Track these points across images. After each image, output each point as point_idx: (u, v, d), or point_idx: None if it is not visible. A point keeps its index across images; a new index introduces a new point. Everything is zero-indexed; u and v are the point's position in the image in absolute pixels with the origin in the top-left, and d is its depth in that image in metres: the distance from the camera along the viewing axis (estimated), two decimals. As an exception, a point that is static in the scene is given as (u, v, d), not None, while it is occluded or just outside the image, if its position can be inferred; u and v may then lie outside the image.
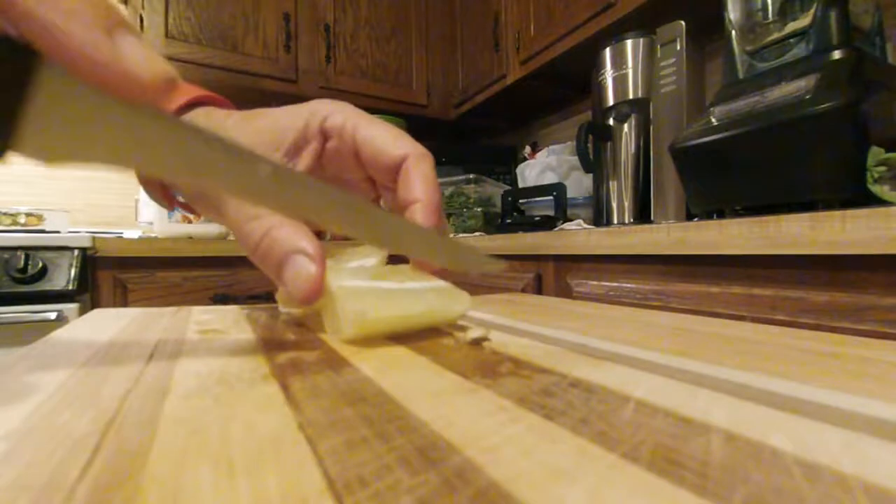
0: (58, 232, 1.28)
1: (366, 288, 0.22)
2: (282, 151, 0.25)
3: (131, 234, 1.42)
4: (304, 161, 0.26)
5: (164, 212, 1.39)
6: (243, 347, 0.21)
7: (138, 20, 1.50)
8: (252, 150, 0.17)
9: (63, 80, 0.13)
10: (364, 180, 0.28)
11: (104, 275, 1.24)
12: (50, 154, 0.13)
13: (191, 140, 0.16)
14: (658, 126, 1.04)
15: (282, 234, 0.21)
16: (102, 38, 0.14)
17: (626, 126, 1.15)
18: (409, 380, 0.15)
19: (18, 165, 1.41)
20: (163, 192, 0.28)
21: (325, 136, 0.26)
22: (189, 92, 0.27)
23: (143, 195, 1.61)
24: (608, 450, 0.10)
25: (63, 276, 1.15)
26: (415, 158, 0.25)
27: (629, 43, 1.15)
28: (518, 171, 1.64)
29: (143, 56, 0.15)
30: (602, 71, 1.20)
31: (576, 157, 1.23)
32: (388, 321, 0.22)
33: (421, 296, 0.23)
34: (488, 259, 0.24)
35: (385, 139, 0.26)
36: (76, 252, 1.17)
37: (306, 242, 0.21)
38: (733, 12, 0.84)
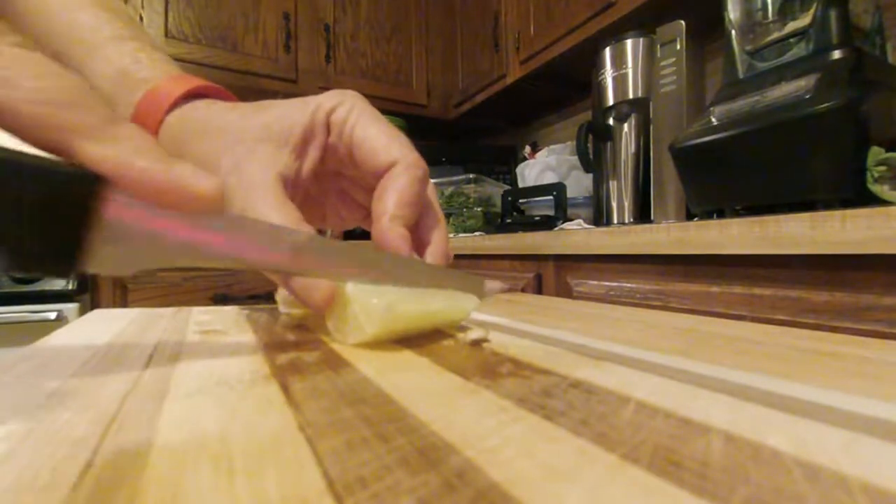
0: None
1: (381, 288, 0.21)
2: (290, 146, 0.25)
3: (131, 234, 1.42)
4: (310, 156, 0.26)
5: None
6: (243, 348, 0.21)
7: (138, 19, 1.50)
8: (280, 226, 0.18)
9: (127, 202, 0.15)
10: (365, 185, 0.27)
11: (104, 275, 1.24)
12: (118, 268, 0.15)
13: (235, 231, 0.17)
14: (658, 126, 1.04)
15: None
16: (161, 165, 0.15)
17: (626, 126, 1.15)
18: (409, 380, 0.15)
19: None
20: None
21: (329, 129, 0.26)
22: (189, 82, 0.26)
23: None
24: (608, 450, 0.10)
25: (63, 276, 1.15)
26: (403, 167, 0.24)
27: (629, 43, 1.15)
28: (518, 170, 1.64)
29: (193, 171, 0.16)
30: (602, 71, 1.20)
31: (576, 157, 1.23)
32: (410, 318, 0.22)
33: (434, 293, 0.23)
34: (489, 285, 0.25)
35: (378, 142, 0.25)
36: (76, 252, 1.17)
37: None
38: (733, 12, 0.84)
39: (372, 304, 0.20)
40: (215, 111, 0.25)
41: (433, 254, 0.25)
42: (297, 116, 0.25)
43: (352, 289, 0.21)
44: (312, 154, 0.26)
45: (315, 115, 0.25)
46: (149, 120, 0.25)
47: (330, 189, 0.29)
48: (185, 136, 0.25)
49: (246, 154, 0.23)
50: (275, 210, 0.22)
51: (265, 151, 0.24)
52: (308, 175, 0.26)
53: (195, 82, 0.26)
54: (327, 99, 0.25)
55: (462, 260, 1.32)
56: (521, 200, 1.49)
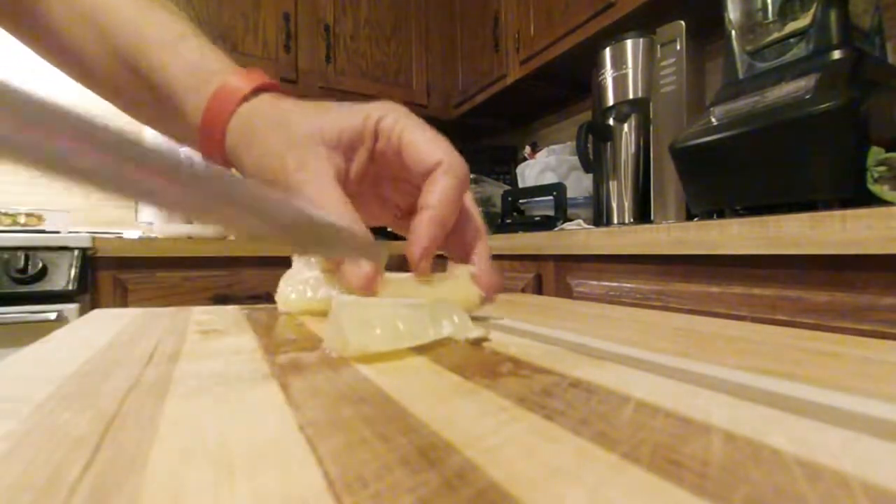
0: (58, 232, 1.28)
1: (373, 317, 0.20)
2: (341, 148, 0.28)
3: (131, 234, 1.42)
4: (358, 159, 0.28)
5: (164, 212, 1.39)
6: (243, 348, 0.21)
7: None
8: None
9: None
10: (406, 189, 0.30)
11: (104, 275, 1.24)
12: None
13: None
14: (658, 126, 1.04)
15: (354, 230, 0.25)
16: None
17: (626, 126, 1.15)
18: (409, 380, 0.15)
19: (18, 165, 1.40)
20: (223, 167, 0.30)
21: (377, 136, 0.28)
22: (258, 78, 0.29)
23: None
24: (608, 450, 0.10)
25: (63, 276, 1.15)
26: (445, 167, 0.26)
27: (629, 43, 1.15)
28: (518, 171, 1.64)
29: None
30: (602, 71, 1.20)
31: (576, 157, 1.23)
32: (400, 348, 0.20)
33: (428, 318, 0.21)
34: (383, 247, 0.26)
35: (424, 144, 0.27)
36: (76, 252, 1.17)
37: (369, 240, 0.25)
38: (733, 12, 0.84)
39: (351, 341, 0.18)
40: (282, 108, 0.28)
41: (479, 259, 0.28)
42: (350, 122, 0.28)
43: (342, 312, 0.19)
44: (360, 158, 0.28)
45: (366, 123, 0.28)
46: (223, 110, 0.28)
47: (367, 191, 0.31)
48: (255, 127, 0.28)
49: (308, 153, 0.27)
50: (340, 206, 0.26)
51: (323, 152, 0.27)
52: (355, 176, 0.29)
53: (262, 78, 0.29)
54: (376, 109, 0.28)
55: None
56: (521, 200, 1.49)
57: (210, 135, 0.29)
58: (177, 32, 0.30)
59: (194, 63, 0.29)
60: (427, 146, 0.27)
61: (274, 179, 0.27)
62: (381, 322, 0.19)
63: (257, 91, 0.29)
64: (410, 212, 0.29)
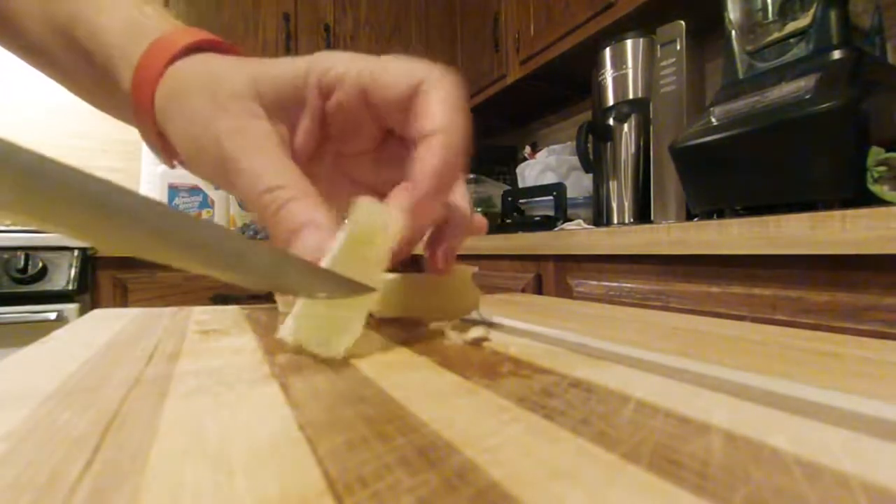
0: (58, 232, 1.28)
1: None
2: (280, 109, 0.22)
3: (131, 234, 1.42)
4: (304, 126, 0.23)
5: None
6: (243, 347, 0.21)
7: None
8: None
9: None
10: (379, 159, 0.24)
11: (104, 275, 1.24)
12: None
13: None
14: (658, 126, 1.04)
15: (297, 206, 0.20)
16: None
17: (626, 126, 1.15)
18: (409, 380, 0.15)
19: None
20: (163, 147, 0.26)
21: (326, 91, 0.22)
22: (195, 34, 0.24)
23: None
24: (608, 450, 0.10)
25: (63, 276, 1.15)
26: (432, 82, 0.21)
27: (629, 43, 1.15)
28: (518, 171, 1.64)
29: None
30: (602, 71, 1.20)
31: (576, 157, 1.23)
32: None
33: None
34: (362, 287, 0.20)
35: (395, 70, 0.21)
36: (76, 252, 1.17)
37: (319, 214, 0.20)
38: (733, 12, 0.84)
39: (312, 346, 0.18)
40: (211, 66, 0.23)
41: (445, 141, 0.21)
42: (285, 71, 0.22)
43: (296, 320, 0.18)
44: (305, 123, 0.23)
45: (308, 73, 0.22)
46: (150, 71, 0.23)
47: (327, 172, 0.26)
48: (181, 90, 0.23)
49: (242, 115, 0.21)
50: (291, 176, 0.21)
51: (259, 111, 0.22)
52: (302, 148, 0.23)
53: (201, 35, 0.24)
54: (321, 58, 0.22)
55: (463, 260, 1.32)
56: (521, 201, 1.49)
57: (139, 102, 0.24)
58: None
59: (129, 20, 0.25)
60: (398, 70, 0.21)
61: (202, 152, 0.22)
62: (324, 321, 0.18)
63: (190, 49, 0.23)
64: (380, 193, 0.23)
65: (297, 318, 0.18)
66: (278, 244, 0.20)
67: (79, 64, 0.27)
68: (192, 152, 0.23)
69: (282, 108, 0.22)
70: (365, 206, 0.18)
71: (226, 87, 0.22)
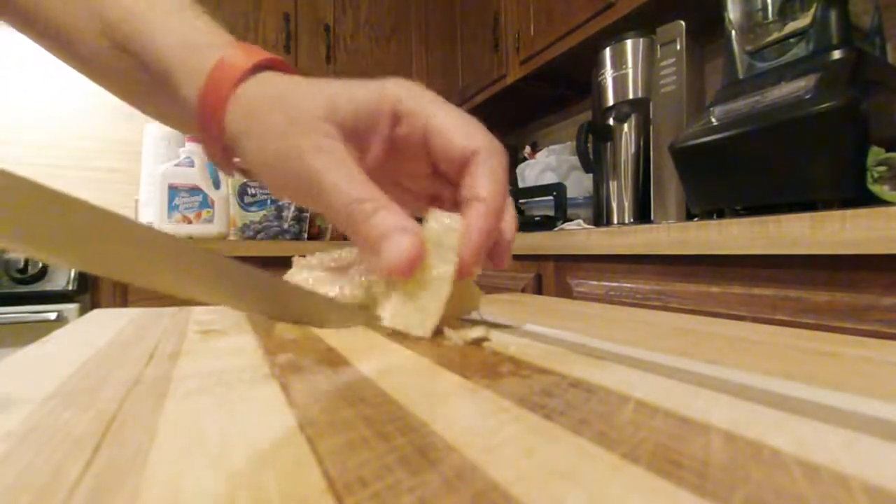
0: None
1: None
2: (356, 133, 0.25)
3: (131, 234, 1.42)
4: (374, 148, 0.25)
5: (164, 212, 1.39)
6: (243, 348, 0.21)
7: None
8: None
9: None
10: (426, 176, 0.27)
11: (104, 275, 1.24)
12: None
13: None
14: (658, 126, 1.04)
15: (386, 215, 0.22)
16: None
17: (626, 126, 1.15)
18: (409, 380, 0.15)
19: (18, 165, 1.41)
20: (224, 158, 0.27)
21: (395, 119, 0.25)
22: (258, 54, 0.26)
23: (143, 195, 1.61)
24: (608, 450, 0.10)
25: (63, 276, 1.15)
26: (486, 153, 0.24)
27: (629, 43, 1.15)
28: (518, 171, 1.64)
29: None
30: (602, 71, 1.20)
31: (576, 157, 1.23)
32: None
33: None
34: (361, 316, 0.25)
35: (457, 129, 0.24)
36: (76, 252, 1.17)
37: (407, 221, 0.22)
38: (733, 12, 0.84)
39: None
40: (284, 85, 0.25)
41: (486, 209, 0.23)
42: (363, 99, 0.24)
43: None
44: (376, 146, 0.25)
45: (381, 102, 0.24)
46: (221, 89, 0.25)
47: (384, 183, 0.27)
48: (256, 109, 0.25)
49: (321, 135, 0.23)
50: (373, 192, 0.23)
51: (336, 133, 0.24)
52: (372, 166, 0.25)
53: (263, 54, 0.26)
54: (392, 87, 0.25)
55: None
56: (521, 200, 1.49)
57: (208, 119, 0.26)
58: (167, 6, 0.27)
59: (185, 38, 0.26)
60: (460, 131, 0.24)
61: (282, 167, 0.24)
62: (412, 301, 0.22)
63: (257, 68, 0.26)
64: (427, 200, 0.28)
65: (392, 306, 0.22)
66: (366, 251, 0.23)
67: (133, 75, 0.28)
68: (270, 167, 0.25)
69: (355, 130, 0.24)
70: (436, 213, 0.23)
71: (303, 109, 0.24)
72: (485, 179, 0.23)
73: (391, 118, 0.25)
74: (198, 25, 0.27)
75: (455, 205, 0.25)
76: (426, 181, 0.28)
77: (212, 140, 0.26)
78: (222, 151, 0.27)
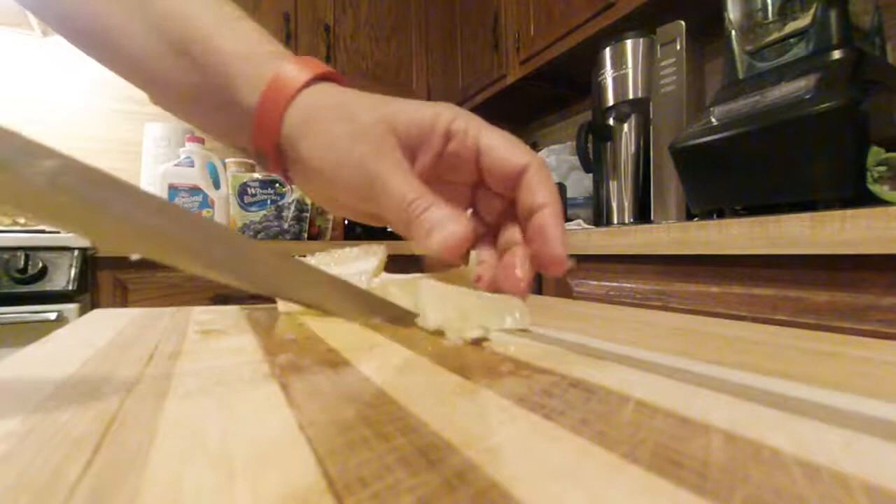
0: (58, 232, 1.28)
1: (449, 300, 0.24)
2: (409, 143, 0.27)
3: (131, 234, 1.42)
4: (422, 159, 0.28)
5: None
6: (243, 348, 0.21)
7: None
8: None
9: None
10: (466, 184, 0.30)
11: (104, 275, 1.24)
12: None
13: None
14: (658, 126, 1.04)
15: (437, 209, 0.25)
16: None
17: (626, 126, 1.15)
18: (409, 380, 0.15)
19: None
20: (276, 158, 0.29)
21: (448, 137, 0.27)
22: (317, 66, 0.28)
23: (143, 195, 1.61)
24: (608, 450, 0.10)
25: (63, 276, 1.15)
26: (537, 167, 0.27)
27: (629, 43, 1.15)
28: (518, 171, 1.63)
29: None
30: (602, 71, 1.20)
31: (576, 157, 1.23)
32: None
33: (493, 310, 0.25)
34: (402, 312, 0.26)
35: (507, 148, 0.27)
36: (76, 252, 1.17)
37: (454, 212, 0.25)
38: (733, 12, 0.84)
39: (443, 313, 0.23)
40: (345, 97, 0.28)
41: (555, 212, 0.27)
42: (419, 116, 0.27)
43: (428, 287, 0.24)
44: (424, 158, 0.28)
45: (436, 121, 0.27)
46: (281, 97, 0.27)
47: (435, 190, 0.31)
48: (317, 115, 0.27)
49: (383, 143, 0.26)
50: (428, 196, 0.25)
51: (395, 142, 0.27)
52: (420, 169, 0.28)
53: (322, 67, 0.28)
54: (444, 109, 0.28)
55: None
56: (521, 200, 1.49)
57: (266, 121, 0.28)
58: (227, 15, 0.29)
59: (249, 46, 0.28)
60: (511, 150, 0.27)
61: (339, 170, 0.27)
62: (455, 307, 0.23)
63: (316, 79, 0.28)
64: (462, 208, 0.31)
65: (435, 308, 0.23)
66: (421, 240, 0.25)
67: (184, 77, 0.29)
68: (330, 170, 0.27)
69: (409, 143, 0.27)
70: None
71: (364, 119, 0.26)
72: (543, 188, 0.27)
73: (444, 136, 0.27)
74: (253, 37, 0.29)
75: (496, 215, 0.30)
76: (464, 189, 0.30)
77: (265, 139, 0.28)
78: (274, 151, 0.29)
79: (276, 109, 0.27)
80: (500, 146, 0.27)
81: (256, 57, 0.28)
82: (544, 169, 0.27)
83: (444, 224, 0.25)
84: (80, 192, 0.14)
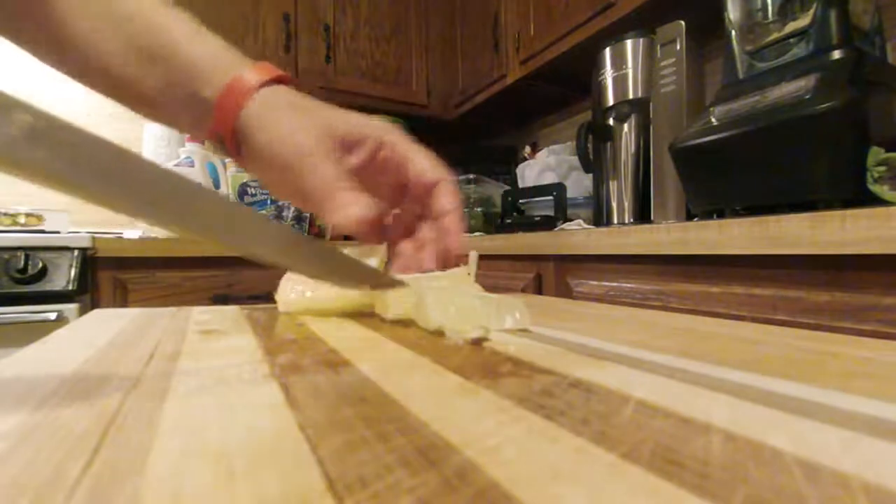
0: (58, 232, 1.28)
1: (451, 302, 0.25)
2: (345, 144, 0.32)
3: (131, 234, 1.42)
4: (356, 158, 0.33)
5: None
6: (243, 348, 0.21)
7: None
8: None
9: None
10: (391, 187, 0.36)
11: (104, 275, 1.24)
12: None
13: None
14: (658, 126, 1.04)
15: (350, 192, 0.31)
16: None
17: (626, 126, 1.15)
18: (410, 380, 0.15)
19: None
20: (231, 143, 0.33)
21: (380, 147, 0.34)
22: (274, 70, 0.33)
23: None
24: (608, 450, 0.10)
25: (63, 276, 1.15)
26: (447, 182, 0.35)
27: (629, 43, 1.15)
28: (518, 171, 1.64)
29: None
30: (602, 71, 1.20)
31: (576, 157, 1.23)
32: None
33: (494, 311, 0.26)
34: (385, 278, 0.29)
35: (428, 163, 0.34)
36: (76, 252, 1.17)
37: (362, 196, 0.31)
38: (733, 12, 0.84)
39: (445, 314, 0.24)
40: (299, 98, 0.33)
41: (457, 216, 0.34)
42: (358, 125, 0.33)
43: (430, 291, 0.26)
44: (361, 154, 0.33)
45: (372, 132, 0.33)
46: (240, 93, 0.31)
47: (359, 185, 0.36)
48: (273, 110, 0.32)
49: (322, 140, 0.31)
50: (347, 188, 0.31)
51: (331, 143, 0.32)
52: (352, 168, 0.33)
53: (277, 71, 0.33)
54: (381, 124, 0.34)
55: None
56: (521, 201, 1.49)
57: (225, 112, 0.32)
58: (194, 28, 0.33)
59: (216, 51, 0.33)
60: (430, 164, 0.34)
61: (282, 155, 0.31)
62: (458, 307, 0.24)
63: (272, 81, 0.32)
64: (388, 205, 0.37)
65: (437, 309, 0.24)
66: (333, 214, 0.31)
67: (153, 80, 0.33)
68: (274, 155, 0.32)
69: (344, 144, 0.32)
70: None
71: (310, 117, 0.32)
72: (451, 197, 0.34)
73: (377, 143, 0.33)
74: (220, 44, 0.33)
75: (416, 214, 0.36)
76: (388, 190, 0.36)
77: (223, 126, 0.32)
78: (231, 136, 0.33)
79: (236, 102, 0.31)
80: (423, 161, 0.34)
81: (221, 61, 0.32)
82: (452, 185, 0.35)
83: (357, 201, 0.30)
84: (57, 146, 0.14)
